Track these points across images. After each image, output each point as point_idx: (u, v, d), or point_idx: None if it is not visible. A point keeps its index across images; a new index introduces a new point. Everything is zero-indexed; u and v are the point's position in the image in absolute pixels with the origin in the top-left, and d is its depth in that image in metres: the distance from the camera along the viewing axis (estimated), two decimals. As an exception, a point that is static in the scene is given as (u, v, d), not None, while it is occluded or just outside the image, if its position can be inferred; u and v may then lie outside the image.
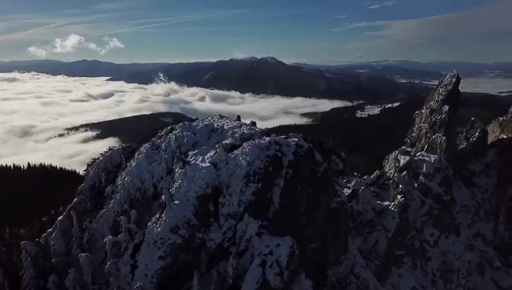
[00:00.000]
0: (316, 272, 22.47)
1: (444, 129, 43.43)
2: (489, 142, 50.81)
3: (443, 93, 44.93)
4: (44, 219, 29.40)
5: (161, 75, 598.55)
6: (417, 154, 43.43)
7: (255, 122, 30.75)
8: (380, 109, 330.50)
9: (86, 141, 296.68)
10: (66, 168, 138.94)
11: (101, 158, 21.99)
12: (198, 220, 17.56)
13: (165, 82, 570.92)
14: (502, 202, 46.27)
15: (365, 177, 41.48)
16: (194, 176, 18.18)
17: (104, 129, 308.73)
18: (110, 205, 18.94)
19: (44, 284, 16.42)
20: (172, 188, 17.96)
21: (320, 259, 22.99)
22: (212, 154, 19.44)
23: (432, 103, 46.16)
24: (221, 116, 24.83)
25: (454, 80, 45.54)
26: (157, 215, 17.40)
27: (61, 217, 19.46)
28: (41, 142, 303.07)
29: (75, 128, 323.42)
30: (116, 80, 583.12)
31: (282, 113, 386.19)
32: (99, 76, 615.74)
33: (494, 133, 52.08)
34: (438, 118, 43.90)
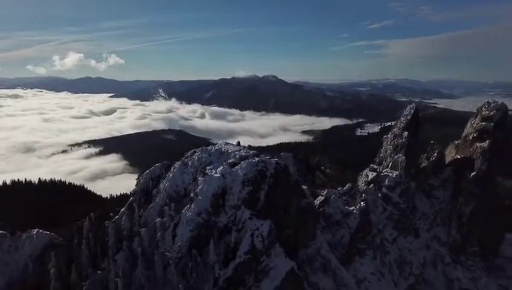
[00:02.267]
0: (290, 251, 33.64)
1: (404, 151, 55.02)
2: (447, 162, 62.42)
3: (404, 122, 56.78)
4: (80, 222, 40.85)
5: (163, 92, 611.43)
6: (383, 171, 55.05)
7: (250, 145, 42.67)
8: (379, 127, 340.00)
9: (88, 157, 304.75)
10: (75, 183, 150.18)
11: (147, 171, 33.60)
12: (212, 209, 29.08)
13: (166, 99, 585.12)
14: (455, 210, 57.48)
15: (339, 188, 53.00)
16: (210, 182, 29.80)
17: (106, 146, 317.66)
18: (157, 200, 30.38)
19: (120, 246, 27.65)
20: (197, 189, 29.50)
21: (293, 242, 34.20)
22: (221, 168, 31.05)
23: (395, 129, 57.99)
24: (227, 143, 36.55)
25: (413, 111, 57.50)
26: (188, 206, 28.93)
27: (125, 207, 30.90)
28: (44, 158, 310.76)
29: (78, 145, 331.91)
30: (119, 97, 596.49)
31: (283, 131, 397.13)
32: (102, 93, 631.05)
33: (451, 154, 63.81)
34: (400, 141, 55.61)
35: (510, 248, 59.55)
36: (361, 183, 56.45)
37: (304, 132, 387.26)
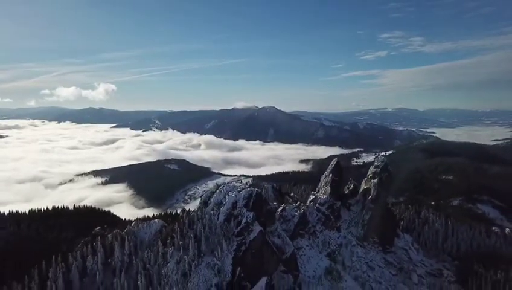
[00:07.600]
0: (262, 226, 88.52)
1: (330, 184, 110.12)
2: (361, 190, 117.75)
3: (330, 168, 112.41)
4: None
5: (164, 122, 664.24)
6: (318, 195, 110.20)
7: (248, 182, 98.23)
8: (374, 156, 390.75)
9: (92, 187, 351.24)
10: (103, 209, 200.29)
11: (205, 194, 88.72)
12: (232, 208, 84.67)
13: (166, 129, 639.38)
14: (361, 217, 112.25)
15: (294, 204, 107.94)
16: (230, 198, 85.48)
17: (111, 176, 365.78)
18: (210, 205, 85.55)
19: (198, 221, 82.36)
20: (226, 201, 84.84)
21: (264, 224, 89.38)
22: (235, 193, 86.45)
23: (326, 172, 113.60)
24: (237, 180, 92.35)
25: (335, 163, 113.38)
26: (222, 207, 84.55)
27: (198, 207, 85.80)
28: (50, 188, 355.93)
29: (81, 175, 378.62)
30: (120, 127, 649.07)
31: (281, 160, 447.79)
32: (104, 123, 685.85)
33: (364, 186, 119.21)
34: (327, 179, 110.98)
35: (402, 241, 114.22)
36: (308, 201, 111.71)
37: (302, 161, 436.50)
